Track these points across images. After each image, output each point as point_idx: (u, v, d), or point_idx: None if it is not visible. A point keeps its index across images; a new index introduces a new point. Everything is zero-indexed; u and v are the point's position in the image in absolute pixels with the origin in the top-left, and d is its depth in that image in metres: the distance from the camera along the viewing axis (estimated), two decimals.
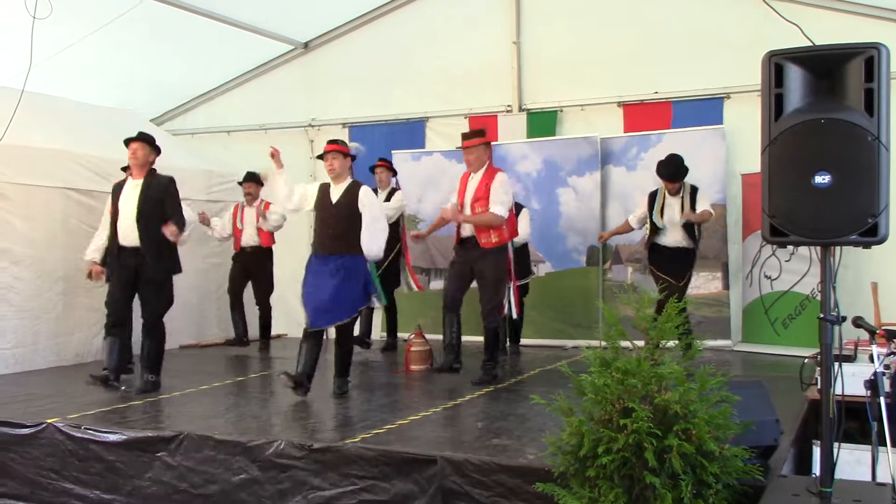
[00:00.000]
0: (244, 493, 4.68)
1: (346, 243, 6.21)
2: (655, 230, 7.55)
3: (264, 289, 9.26)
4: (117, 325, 6.62)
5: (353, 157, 6.57)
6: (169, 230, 6.40)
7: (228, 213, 9.38)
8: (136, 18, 8.79)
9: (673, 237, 7.47)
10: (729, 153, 8.57)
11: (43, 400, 6.16)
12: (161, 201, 6.52)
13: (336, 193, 6.31)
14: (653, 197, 7.64)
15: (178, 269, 6.86)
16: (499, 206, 6.60)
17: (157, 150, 6.69)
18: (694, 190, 7.52)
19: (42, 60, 8.28)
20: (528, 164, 9.31)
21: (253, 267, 9.18)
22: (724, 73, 8.60)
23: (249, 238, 9.16)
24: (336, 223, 6.24)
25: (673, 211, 7.48)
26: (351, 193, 6.28)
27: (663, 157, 7.62)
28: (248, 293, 9.41)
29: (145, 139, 6.61)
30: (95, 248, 7.11)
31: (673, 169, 7.46)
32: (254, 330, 9.47)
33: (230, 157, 10.70)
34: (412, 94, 10.02)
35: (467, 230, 6.73)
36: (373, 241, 6.20)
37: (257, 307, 9.39)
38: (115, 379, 6.62)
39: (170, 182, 6.64)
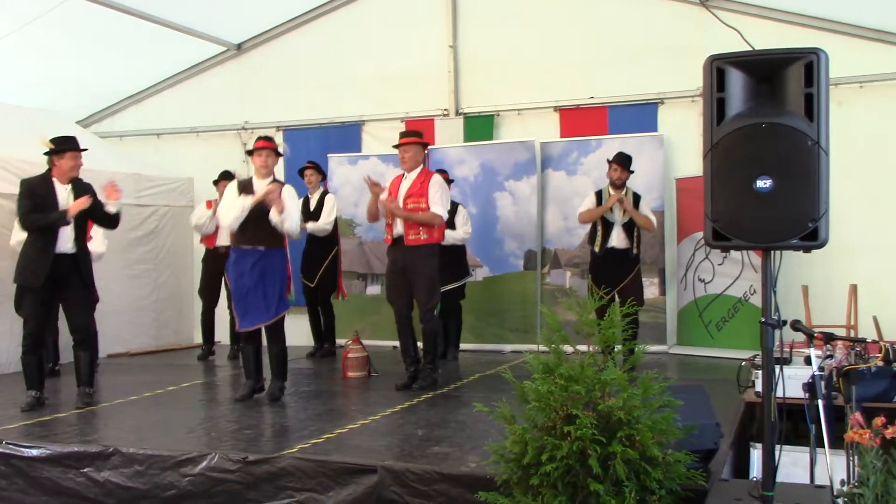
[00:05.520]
0: None
1: (264, 236, 6.21)
2: (606, 229, 7.55)
3: None
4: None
5: (280, 155, 6.66)
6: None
7: (203, 206, 8.85)
8: (61, 16, 8.48)
9: (617, 238, 7.48)
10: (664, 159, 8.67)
11: None
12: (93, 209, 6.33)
13: (260, 188, 6.27)
14: (598, 195, 7.64)
15: None
16: (439, 207, 6.61)
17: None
18: (637, 197, 7.57)
19: None
20: (465, 169, 9.27)
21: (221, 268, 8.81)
22: (658, 79, 8.69)
23: (224, 238, 8.81)
24: (256, 218, 6.20)
25: (617, 207, 7.50)
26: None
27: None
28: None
29: (81, 147, 6.40)
30: None
31: (624, 155, 7.54)
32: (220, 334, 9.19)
33: (160, 160, 10.45)
34: (348, 97, 9.91)
35: (399, 228, 6.65)
36: (292, 219, 6.25)
37: (228, 311, 9.00)
38: (43, 394, 6.30)
39: (93, 190, 6.43)
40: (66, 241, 6.21)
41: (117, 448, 4.74)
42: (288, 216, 6.18)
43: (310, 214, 8.53)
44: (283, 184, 6.38)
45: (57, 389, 6.62)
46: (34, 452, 4.88)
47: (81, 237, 6.32)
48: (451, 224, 7.82)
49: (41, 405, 6.17)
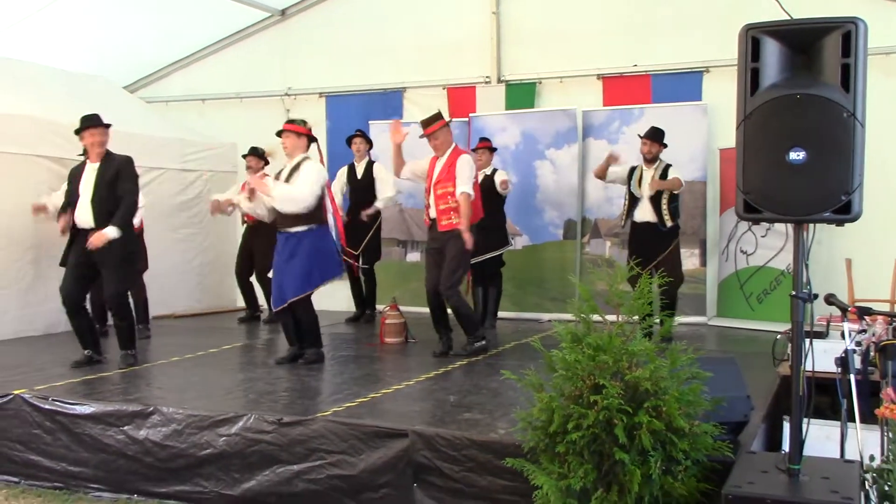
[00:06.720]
0: (211, 467, 4.64)
1: (290, 220, 6.31)
2: (632, 203, 7.54)
3: (262, 266, 8.62)
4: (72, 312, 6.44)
5: (314, 139, 6.60)
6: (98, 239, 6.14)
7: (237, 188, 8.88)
8: None
9: (643, 212, 7.46)
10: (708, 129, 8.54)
11: (10, 370, 6.07)
12: (115, 181, 6.32)
13: (286, 171, 6.46)
14: (632, 170, 7.62)
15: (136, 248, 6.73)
16: (465, 185, 6.65)
17: (107, 128, 6.45)
18: (667, 167, 7.50)
19: (11, 24, 8.10)
20: (506, 137, 9.22)
21: (253, 242, 8.82)
22: (703, 47, 8.54)
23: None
24: None
25: (646, 182, 7.48)
26: (297, 168, 6.41)
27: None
28: None
29: (101, 124, 6.38)
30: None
31: (653, 130, 7.51)
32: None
33: (205, 126, 10.57)
34: (390, 64, 9.90)
35: (433, 212, 6.76)
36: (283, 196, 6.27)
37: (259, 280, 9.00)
38: (96, 353, 6.48)
39: (127, 162, 6.40)
40: (83, 218, 6.30)
41: (157, 407, 4.88)
42: (276, 198, 6.24)
43: (356, 182, 8.63)
44: (307, 158, 6.44)
45: (104, 350, 6.79)
46: (78, 409, 5.03)
47: (103, 214, 6.24)
48: (489, 182, 7.97)
49: (91, 363, 6.35)
